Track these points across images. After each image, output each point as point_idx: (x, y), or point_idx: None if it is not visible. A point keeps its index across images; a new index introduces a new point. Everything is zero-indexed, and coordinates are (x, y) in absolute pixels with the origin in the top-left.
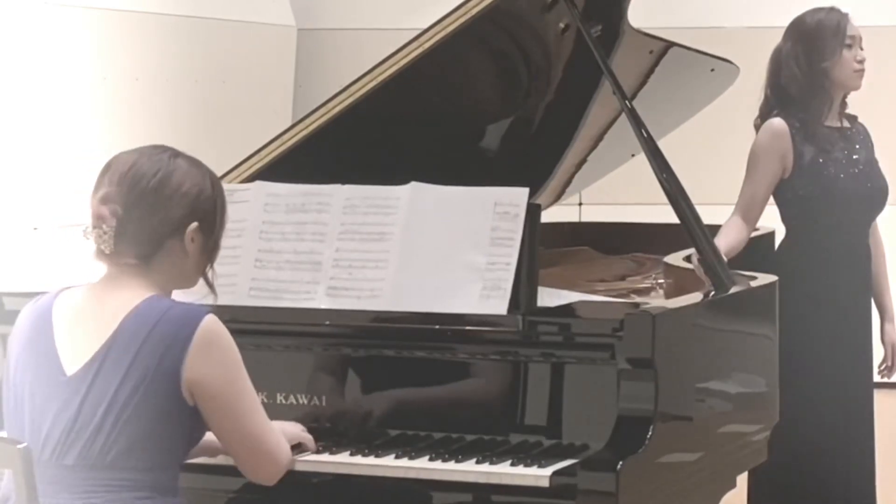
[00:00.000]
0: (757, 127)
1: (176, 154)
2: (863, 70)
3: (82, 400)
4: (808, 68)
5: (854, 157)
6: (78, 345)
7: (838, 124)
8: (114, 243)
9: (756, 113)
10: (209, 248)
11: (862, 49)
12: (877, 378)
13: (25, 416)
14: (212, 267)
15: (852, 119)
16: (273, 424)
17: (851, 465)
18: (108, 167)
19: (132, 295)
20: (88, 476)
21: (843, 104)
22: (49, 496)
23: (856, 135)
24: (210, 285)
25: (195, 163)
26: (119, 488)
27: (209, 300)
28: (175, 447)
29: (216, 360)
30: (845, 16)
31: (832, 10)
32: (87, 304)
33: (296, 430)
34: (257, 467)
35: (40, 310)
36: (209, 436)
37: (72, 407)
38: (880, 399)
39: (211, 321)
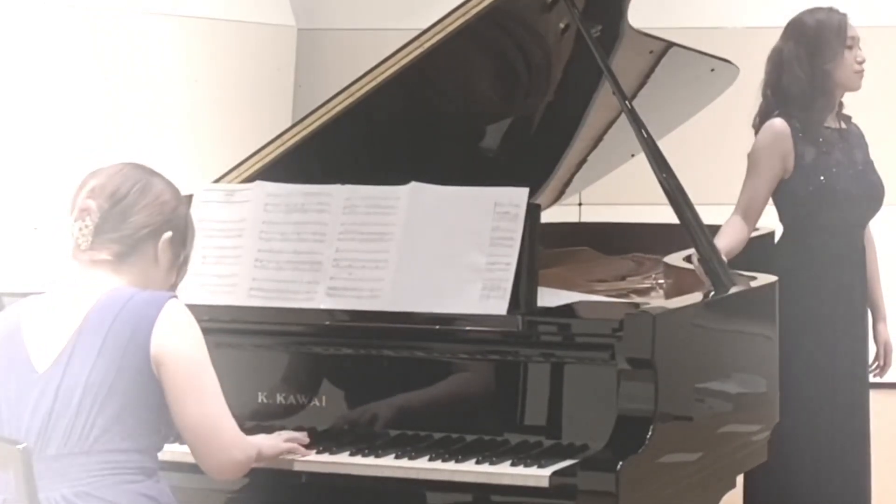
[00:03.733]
0: (756, 128)
1: (154, 172)
2: (863, 70)
3: (56, 390)
4: (810, 69)
5: (853, 157)
6: (47, 342)
7: (836, 125)
8: (91, 239)
9: (754, 113)
10: (178, 263)
11: (861, 49)
12: (871, 378)
13: (3, 417)
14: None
15: (847, 119)
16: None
17: (847, 465)
18: (93, 174)
19: (98, 289)
20: (72, 464)
21: (840, 105)
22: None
23: (852, 135)
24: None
25: (170, 182)
26: (103, 472)
27: (212, 298)
28: (152, 427)
29: (180, 336)
30: (844, 16)
31: (831, 10)
32: (54, 305)
33: (275, 442)
34: (211, 457)
35: (9, 321)
36: None
37: (47, 398)
38: (876, 399)
39: (176, 303)
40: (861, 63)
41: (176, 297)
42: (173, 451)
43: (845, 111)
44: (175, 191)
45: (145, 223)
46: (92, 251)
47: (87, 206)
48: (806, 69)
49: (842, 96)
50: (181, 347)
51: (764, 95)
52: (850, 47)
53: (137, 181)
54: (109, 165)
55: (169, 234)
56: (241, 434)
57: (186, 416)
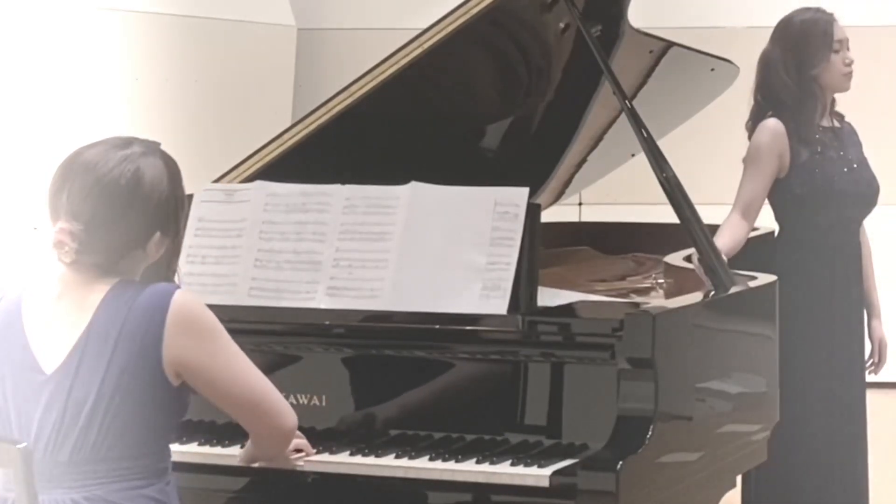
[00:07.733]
0: (749, 131)
1: (138, 153)
2: (851, 72)
3: (67, 397)
4: (797, 76)
5: (847, 156)
6: (53, 341)
7: (830, 124)
8: (76, 257)
9: (747, 117)
10: (172, 248)
11: (849, 50)
12: (867, 376)
13: (11, 415)
14: (174, 265)
15: (840, 118)
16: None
17: (844, 464)
18: (65, 177)
19: (101, 284)
20: (84, 470)
21: (833, 103)
22: (45, 491)
23: (846, 133)
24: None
25: (152, 153)
26: (115, 478)
27: (212, 298)
28: (164, 430)
29: (194, 334)
30: (831, 16)
31: (818, 11)
32: (56, 298)
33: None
34: (265, 430)
35: (8, 309)
36: None
37: (57, 405)
38: (875, 399)
39: (182, 297)
40: (849, 64)
41: (179, 287)
42: (173, 451)
43: (840, 110)
44: (160, 175)
45: (128, 238)
46: (77, 263)
47: (61, 240)
48: (792, 74)
49: (832, 96)
50: (197, 348)
51: (755, 99)
52: (838, 50)
53: (118, 193)
54: (85, 160)
55: (157, 235)
56: (281, 397)
57: (230, 400)
